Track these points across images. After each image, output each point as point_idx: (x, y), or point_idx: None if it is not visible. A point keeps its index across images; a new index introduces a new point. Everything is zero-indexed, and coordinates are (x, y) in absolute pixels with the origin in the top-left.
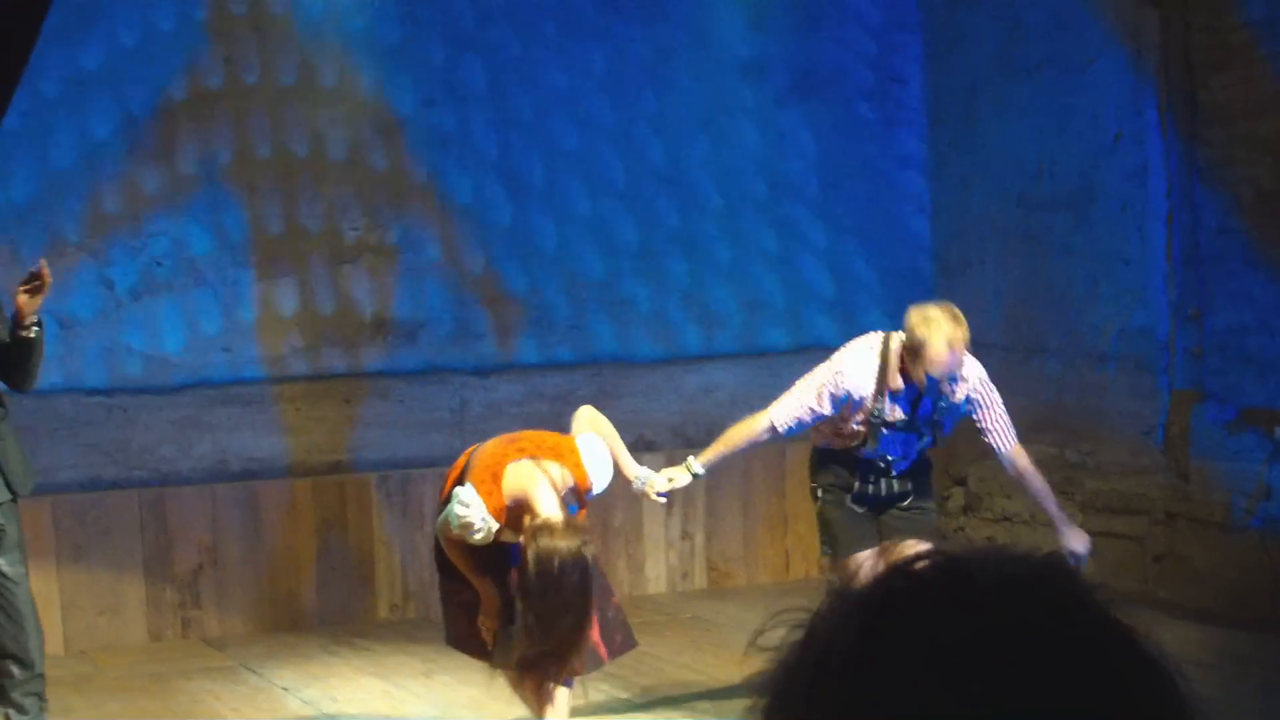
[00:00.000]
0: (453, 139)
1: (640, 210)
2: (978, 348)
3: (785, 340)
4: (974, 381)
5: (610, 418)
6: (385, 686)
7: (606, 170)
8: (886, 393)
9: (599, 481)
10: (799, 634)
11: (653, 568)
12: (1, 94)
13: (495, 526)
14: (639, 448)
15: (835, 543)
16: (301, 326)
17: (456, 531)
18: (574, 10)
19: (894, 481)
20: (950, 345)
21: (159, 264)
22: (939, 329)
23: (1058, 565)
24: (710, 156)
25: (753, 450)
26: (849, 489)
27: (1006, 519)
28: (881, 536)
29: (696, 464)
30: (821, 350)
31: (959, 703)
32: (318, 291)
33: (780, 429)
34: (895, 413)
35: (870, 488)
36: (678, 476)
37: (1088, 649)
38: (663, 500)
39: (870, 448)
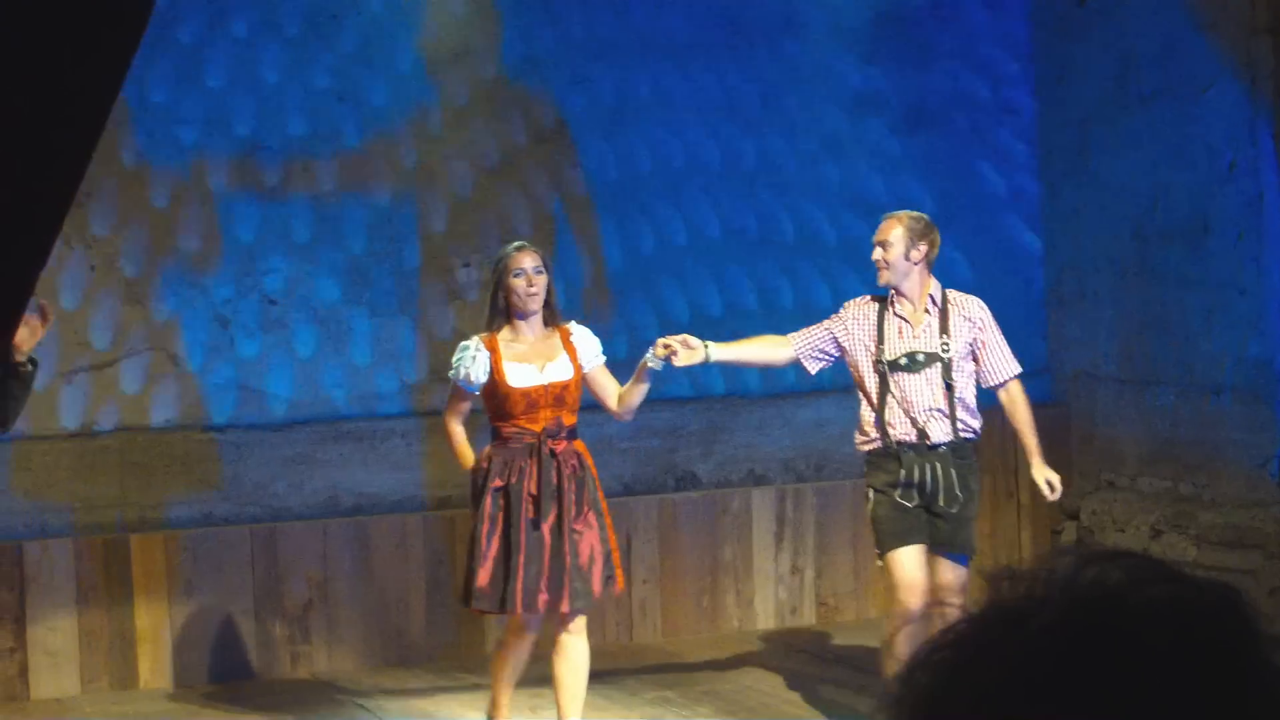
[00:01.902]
0: (565, 175)
1: (751, 245)
2: (1091, 380)
3: None
4: (973, 307)
5: (721, 453)
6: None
7: (718, 204)
8: (887, 317)
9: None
10: (943, 654)
11: (761, 603)
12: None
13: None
14: (749, 482)
15: (881, 538)
16: (413, 362)
17: (456, 372)
18: (691, 44)
19: (937, 464)
20: (892, 216)
21: (272, 302)
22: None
23: (1230, 597)
24: (821, 190)
25: (767, 365)
26: (896, 483)
27: None
28: (930, 539)
29: (716, 350)
30: None
31: None
32: (431, 327)
33: (791, 339)
34: (897, 336)
35: (916, 472)
36: (689, 353)
37: (1259, 688)
38: (659, 364)
39: (896, 408)
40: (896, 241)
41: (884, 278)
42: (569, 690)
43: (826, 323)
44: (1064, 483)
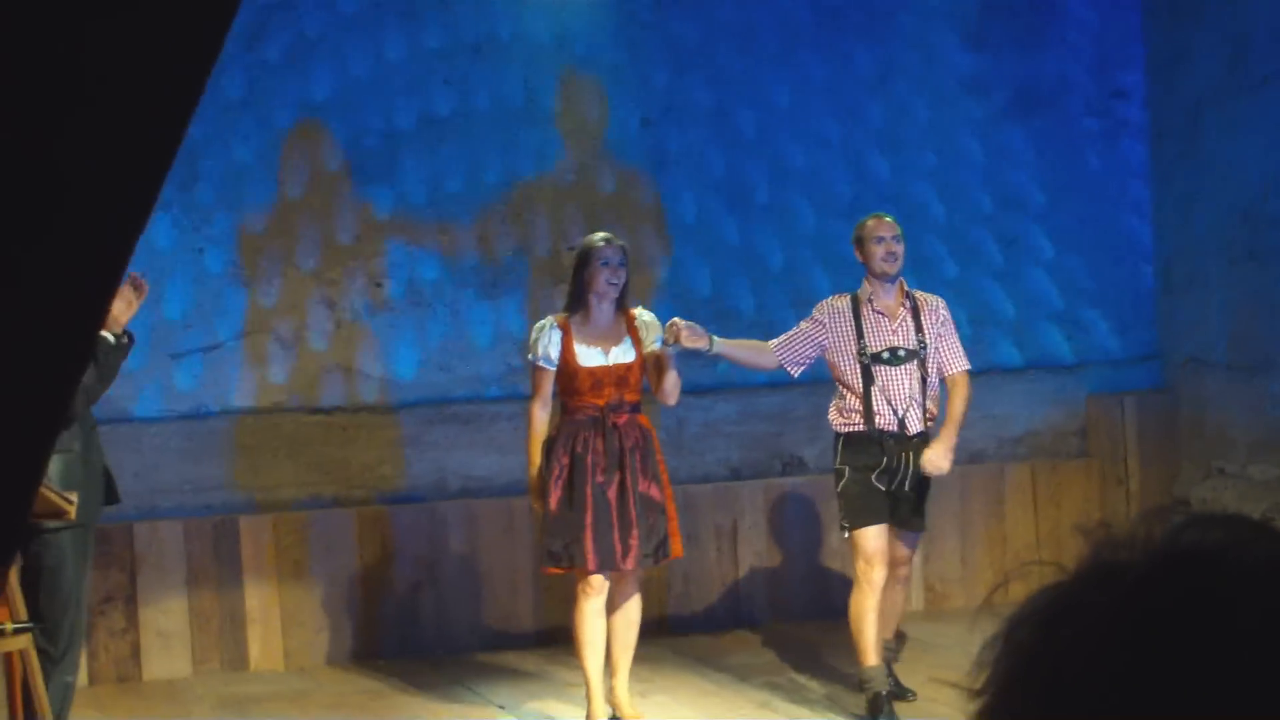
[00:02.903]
0: (676, 158)
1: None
2: (1201, 367)
3: (1012, 355)
4: (938, 306)
5: (828, 438)
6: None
7: (832, 187)
8: (864, 314)
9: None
10: (1042, 610)
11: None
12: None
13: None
14: None
15: (853, 515)
16: (520, 345)
17: (533, 352)
18: (795, 26)
19: (911, 453)
20: (878, 218)
21: (378, 284)
22: (869, 216)
23: None
24: (934, 172)
25: (755, 368)
26: (874, 467)
27: None
28: (890, 518)
29: (718, 343)
30: (1047, 367)
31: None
32: (539, 311)
33: (774, 347)
34: (878, 332)
35: (896, 459)
36: (695, 338)
37: None
38: (665, 347)
39: (879, 398)
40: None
41: (895, 268)
42: (620, 641)
43: (806, 326)
44: (1173, 470)
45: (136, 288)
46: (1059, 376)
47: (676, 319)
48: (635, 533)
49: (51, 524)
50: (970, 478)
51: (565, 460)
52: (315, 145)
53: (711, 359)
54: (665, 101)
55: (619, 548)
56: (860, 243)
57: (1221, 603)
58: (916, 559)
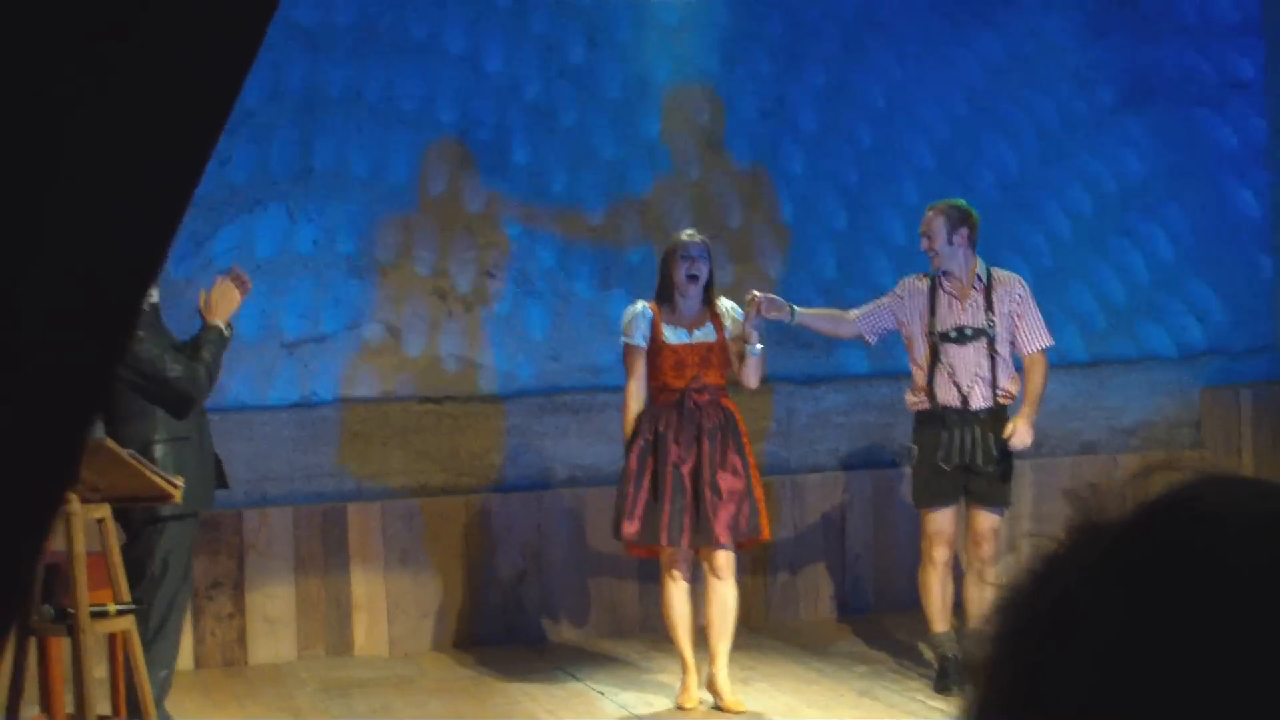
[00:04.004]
0: (782, 149)
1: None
2: None
3: (1125, 349)
4: (1013, 285)
5: None
6: (701, 694)
7: (942, 179)
8: (939, 294)
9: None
10: (1028, 573)
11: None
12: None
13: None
14: None
15: (918, 495)
16: None
17: (626, 332)
18: (908, 17)
19: (976, 429)
20: (926, 213)
21: (490, 274)
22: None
23: None
24: (1050, 162)
25: (834, 336)
26: (938, 445)
27: None
28: (967, 495)
29: (800, 313)
30: (1157, 359)
31: (1188, 658)
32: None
33: (855, 316)
34: (948, 312)
35: (957, 435)
36: (778, 310)
37: None
38: (746, 322)
39: (943, 375)
40: (938, 232)
41: (935, 263)
42: (717, 629)
43: (886, 300)
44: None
45: (239, 282)
46: (1174, 367)
47: (755, 292)
48: (711, 514)
49: (163, 509)
50: (1083, 467)
51: (648, 439)
52: (429, 136)
53: (796, 328)
54: (772, 94)
55: (692, 531)
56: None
57: (1203, 555)
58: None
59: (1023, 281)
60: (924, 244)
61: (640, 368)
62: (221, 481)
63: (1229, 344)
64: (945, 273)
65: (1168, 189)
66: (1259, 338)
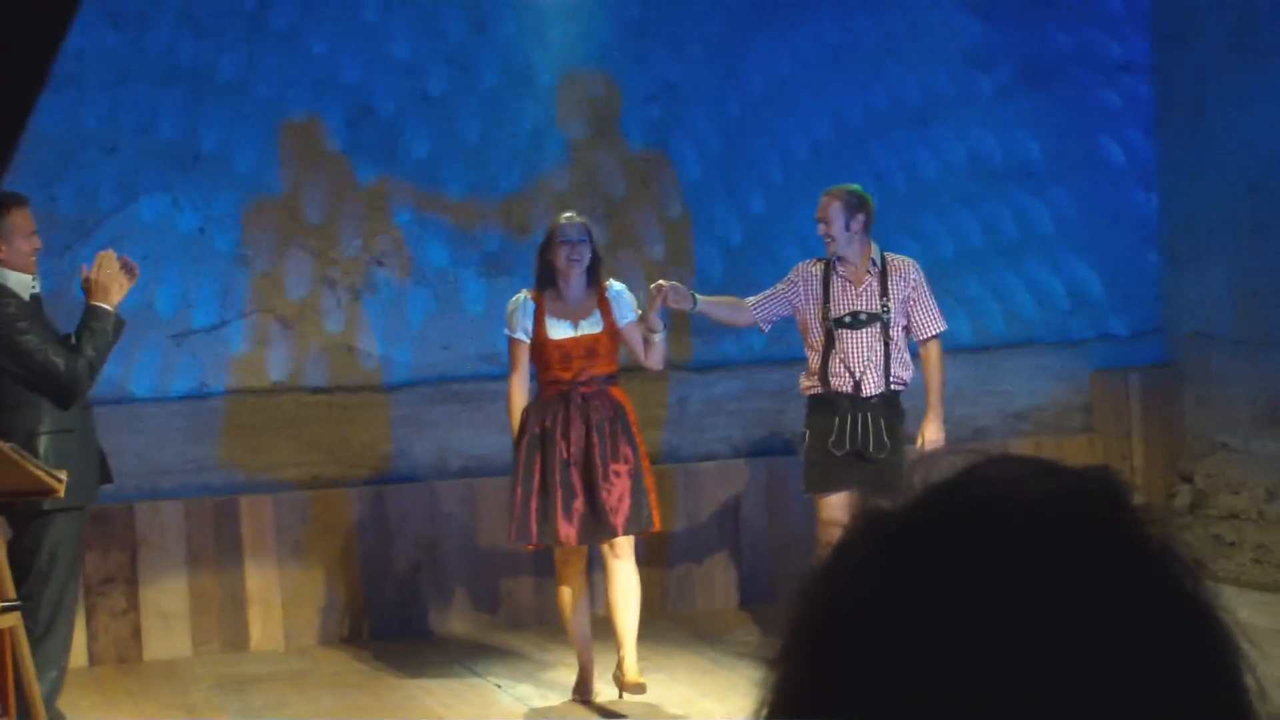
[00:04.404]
0: (673, 136)
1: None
2: (1206, 340)
3: (1016, 331)
4: (908, 269)
5: None
6: (596, 685)
7: (837, 165)
8: (833, 279)
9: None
10: (829, 558)
11: None
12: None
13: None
14: None
15: (809, 481)
16: None
17: (509, 325)
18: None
19: (868, 415)
20: (823, 196)
21: (379, 263)
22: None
23: (1102, 485)
24: (937, 144)
25: (732, 325)
26: (829, 430)
27: (1234, 516)
28: (859, 482)
29: (701, 301)
30: (1047, 344)
31: (969, 642)
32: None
33: (751, 304)
34: (843, 296)
35: (849, 420)
36: (680, 297)
37: (1121, 585)
38: (649, 310)
39: (836, 360)
40: (835, 217)
41: (831, 249)
42: (621, 610)
43: (781, 287)
44: (1178, 445)
45: (128, 270)
46: (1063, 352)
47: (661, 280)
48: (605, 507)
49: (45, 504)
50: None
51: (535, 434)
52: (316, 123)
53: (696, 316)
54: (661, 79)
55: (586, 525)
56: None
57: (976, 540)
58: None
59: (917, 266)
60: (821, 229)
61: (523, 361)
62: (106, 475)
63: (1118, 328)
64: (840, 258)
65: (1056, 172)
66: (1147, 321)
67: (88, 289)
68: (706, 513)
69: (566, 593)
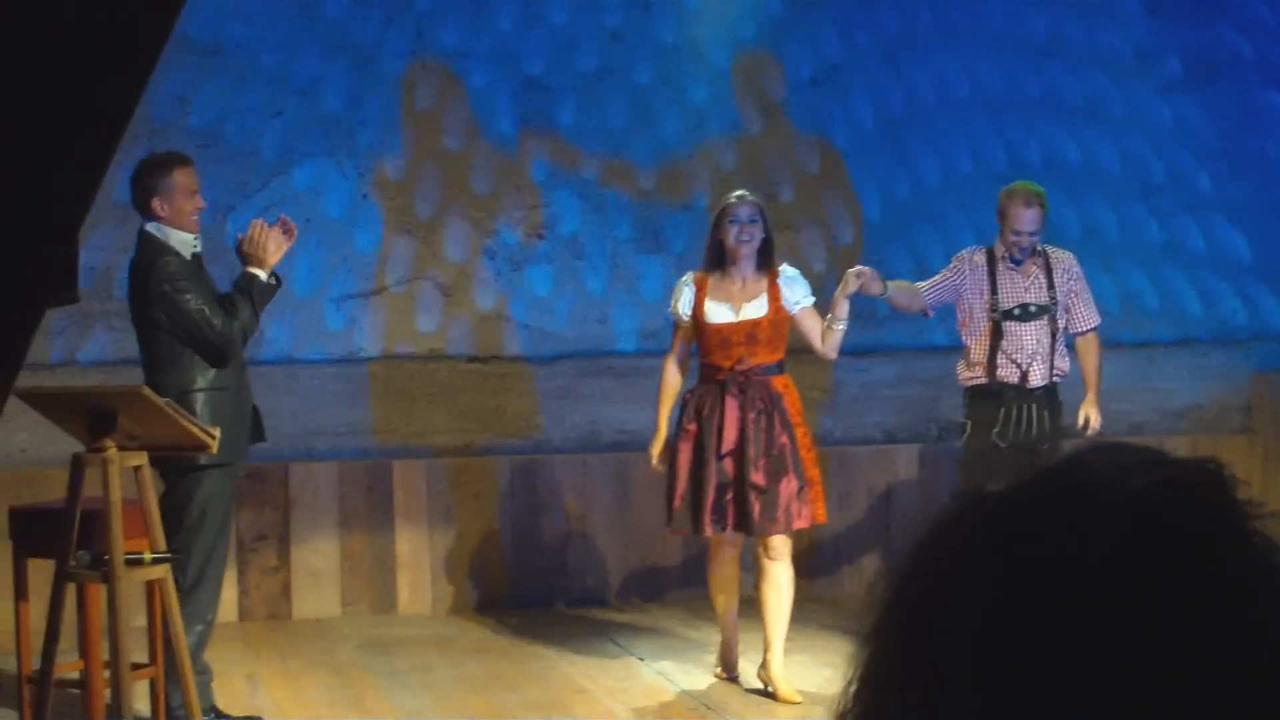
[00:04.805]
0: (844, 118)
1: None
2: None
3: (1177, 329)
4: (1070, 262)
5: None
6: (741, 663)
7: (991, 154)
8: (999, 270)
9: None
10: (924, 539)
11: None
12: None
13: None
14: None
15: (967, 471)
16: None
17: (671, 306)
18: None
19: (1033, 406)
20: (1028, 203)
21: (539, 235)
22: (1017, 192)
23: (1209, 477)
24: (1106, 141)
25: (909, 310)
26: (994, 421)
27: None
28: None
29: (891, 286)
30: (1208, 342)
31: (1056, 629)
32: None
33: (925, 286)
34: (1012, 289)
35: (1015, 411)
36: (877, 284)
37: (1221, 578)
38: (843, 294)
39: (1003, 352)
40: (1040, 222)
41: (1026, 254)
42: (773, 611)
43: (948, 274)
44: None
45: (286, 231)
46: (1225, 351)
47: (860, 266)
48: (756, 503)
49: (200, 459)
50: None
51: (692, 425)
52: (481, 94)
53: (884, 301)
54: (815, 61)
55: (736, 516)
56: (1003, 216)
57: (1072, 525)
58: None
59: (1075, 259)
60: (1023, 249)
61: (680, 345)
62: (259, 434)
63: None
64: (1007, 253)
65: (1223, 171)
66: None
67: (241, 254)
68: (858, 497)
69: (718, 580)
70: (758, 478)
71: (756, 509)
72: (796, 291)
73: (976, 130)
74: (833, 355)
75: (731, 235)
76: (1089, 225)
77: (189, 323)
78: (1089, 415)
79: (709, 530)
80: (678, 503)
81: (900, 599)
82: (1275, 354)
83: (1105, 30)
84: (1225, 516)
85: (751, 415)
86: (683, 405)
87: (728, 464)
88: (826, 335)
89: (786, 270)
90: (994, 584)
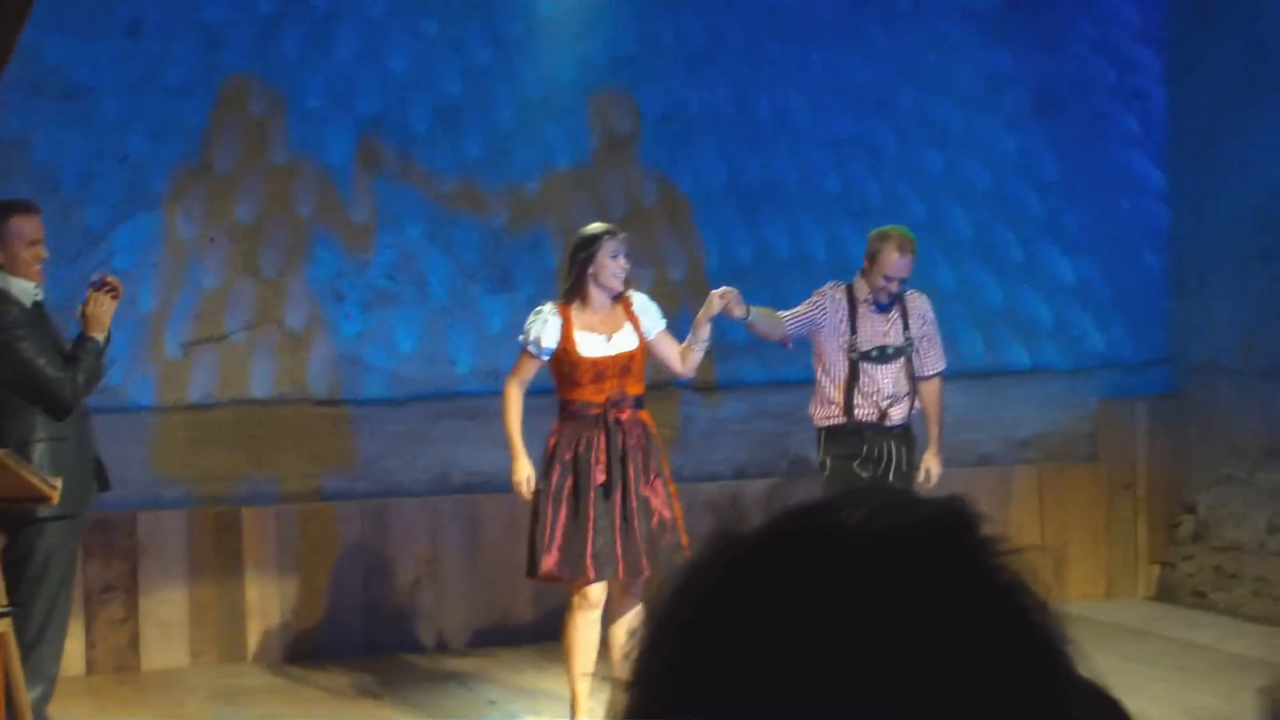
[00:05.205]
0: (682, 160)
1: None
2: (1213, 371)
3: (1022, 358)
4: (925, 306)
5: None
6: (591, 704)
7: (838, 186)
8: (859, 311)
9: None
10: (680, 582)
11: None
12: None
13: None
14: None
15: None
16: None
17: (526, 336)
18: (812, 21)
19: (892, 443)
20: (902, 249)
21: (388, 277)
22: (891, 236)
23: (947, 517)
24: (947, 169)
25: (769, 338)
26: (856, 455)
27: (1235, 548)
28: None
29: (754, 311)
30: (1053, 372)
31: (806, 672)
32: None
33: (787, 316)
34: (870, 330)
35: (875, 449)
36: (739, 306)
37: (962, 617)
38: (705, 316)
39: (862, 392)
40: (910, 267)
41: (890, 291)
42: (623, 651)
43: (810, 307)
44: (1183, 475)
45: (112, 290)
46: (1070, 380)
47: (724, 287)
48: (638, 539)
49: (41, 511)
50: (977, 480)
51: (568, 461)
52: (325, 132)
53: (745, 326)
54: (675, 99)
55: (621, 557)
56: (873, 259)
57: (814, 569)
58: None
59: (929, 301)
60: (900, 284)
61: (529, 374)
62: (104, 483)
63: (1125, 357)
64: (869, 294)
65: (1066, 199)
66: (1154, 349)
67: (81, 320)
68: (707, 534)
69: (584, 639)
70: (645, 515)
71: (641, 548)
72: (652, 317)
73: (824, 161)
74: (691, 375)
75: (609, 271)
76: (934, 254)
77: (26, 371)
78: (929, 468)
79: (591, 575)
80: (553, 549)
81: (658, 646)
82: (1119, 381)
83: (954, 59)
84: (965, 555)
85: (630, 449)
86: (550, 445)
87: (611, 504)
88: (687, 355)
89: (636, 296)
90: (744, 628)
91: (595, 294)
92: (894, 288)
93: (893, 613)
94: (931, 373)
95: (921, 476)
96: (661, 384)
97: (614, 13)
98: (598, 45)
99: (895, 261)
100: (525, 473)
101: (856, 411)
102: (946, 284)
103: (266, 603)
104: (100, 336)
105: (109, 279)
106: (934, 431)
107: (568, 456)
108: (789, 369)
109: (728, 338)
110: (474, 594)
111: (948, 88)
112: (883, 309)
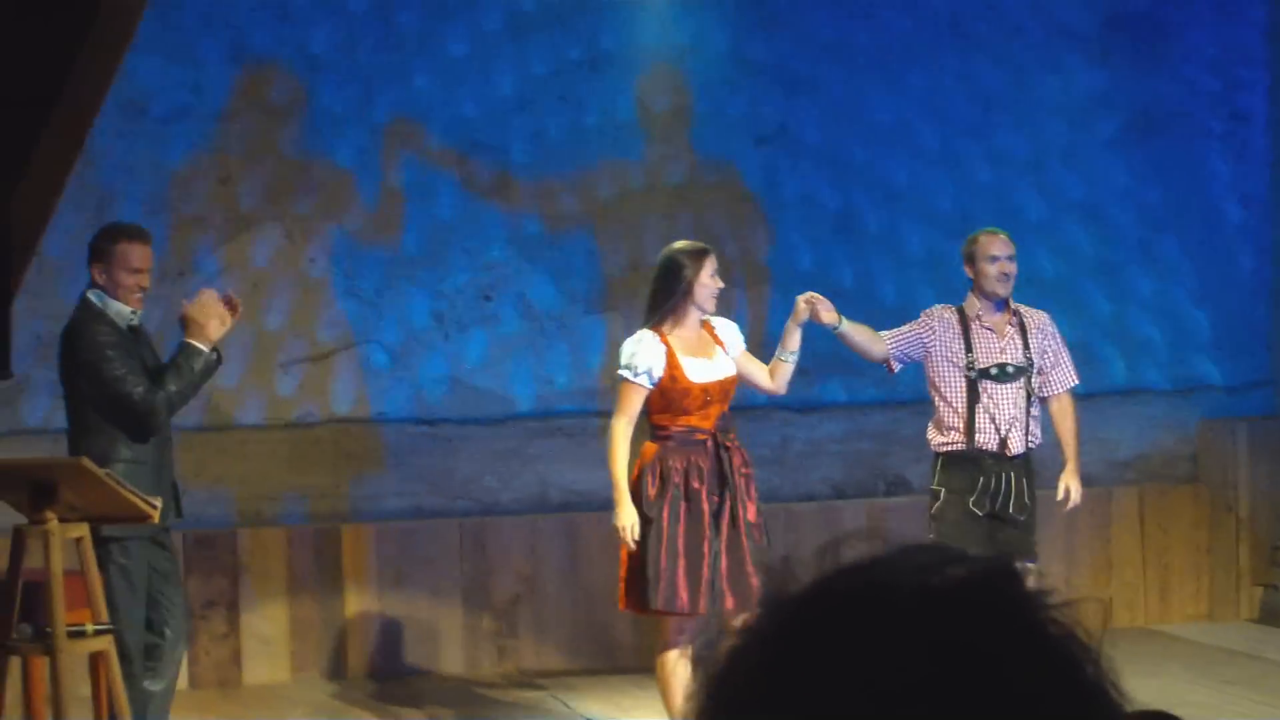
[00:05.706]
0: (787, 180)
1: None
2: None
3: (1122, 378)
4: (1045, 321)
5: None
6: None
7: (937, 206)
8: (973, 328)
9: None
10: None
11: None
12: None
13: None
14: None
15: (945, 540)
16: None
17: (633, 368)
18: (900, 44)
19: (1011, 475)
20: (990, 233)
21: (487, 297)
22: (981, 229)
23: (994, 578)
24: (1048, 191)
25: (866, 355)
26: (971, 489)
27: None
28: (994, 546)
29: (845, 322)
30: (1154, 392)
31: None
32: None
33: (886, 337)
34: (987, 347)
35: (994, 480)
36: (830, 314)
37: (1013, 673)
38: (795, 321)
39: (983, 415)
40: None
41: (1007, 289)
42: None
43: (916, 327)
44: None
45: (231, 307)
46: (1171, 400)
47: (811, 293)
48: (749, 570)
49: (103, 530)
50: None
51: (679, 488)
52: (421, 150)
53: (836, 336)
54: (774, 121)
55: (732, 590)
56: (971, 259)
57: (875, 629)
58: None
59: (1050, 317)
60: (1006, 277)
61: (638, 407)
62: (178, 511)
63: (1227, 378)
64: (984, 304)
65: (1167, 219)
66: (1256, 371)
67: (184, 325)
68: (806, 554)
69: (678, 678)
70: (752, 547)
71: (749, 578)
72: (734, 336)
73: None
74: (783, 391)
75: (707, 291)
76: (1035, 274)
77: (109, 392)
78: (1070, 487)
79: (703, 608)
80: (664, 582)
81: (712, 709)
82: (1221, 402)
83: (1055, 80)
84: (1014, 610)
85: (734, 477)
86: (659, 473)
87: (722, 533)
88: (776, 370)
89: (717, 320)
90: (797, 689)
91: (691, 316)
92: (1004, 268)
93: (941, 673)
94: (1061, 389)
95: (1060, 494)
96: (759, 406)
97: (710, 32)
98: (695, 64)
99: (990, 242)
100: (631, 519)
101: (978, 436)
102: (1047, 302)
103: (366, 619)
104: (202, 344)
105: (231, 295)
106: (1071, 448)
107: (679, 484)
108: (889, 389)
109: (826, 356)
110: (573, 613)
111: (1049, 110)
112: (999, 307)
